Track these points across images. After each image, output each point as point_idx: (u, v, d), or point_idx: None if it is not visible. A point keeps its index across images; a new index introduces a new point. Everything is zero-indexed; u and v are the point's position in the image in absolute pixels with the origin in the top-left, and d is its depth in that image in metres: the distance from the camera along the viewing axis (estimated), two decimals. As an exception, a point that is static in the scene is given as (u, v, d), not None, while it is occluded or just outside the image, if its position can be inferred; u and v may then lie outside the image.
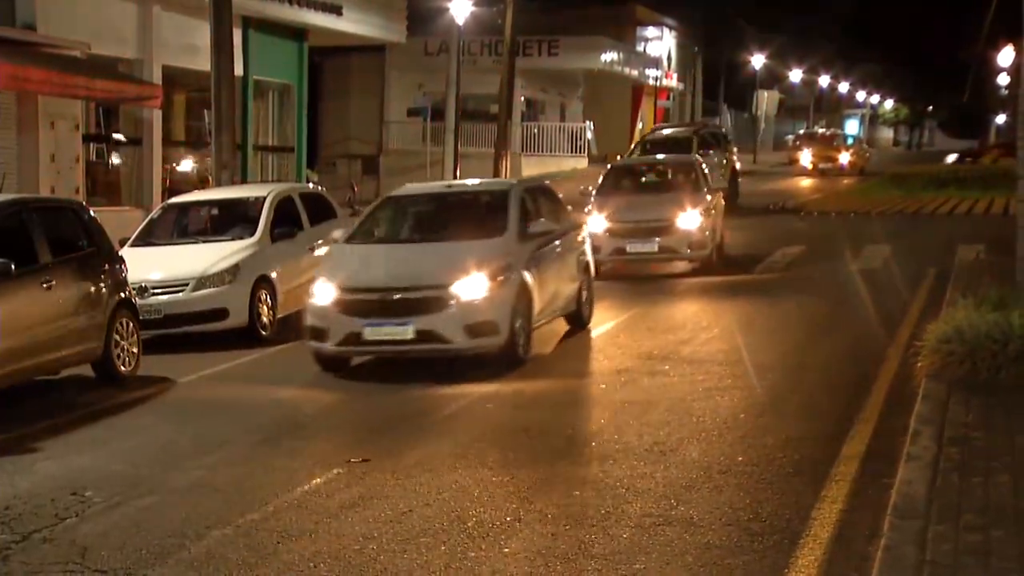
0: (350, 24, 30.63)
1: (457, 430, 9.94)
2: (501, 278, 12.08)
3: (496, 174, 41.01)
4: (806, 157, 55.21)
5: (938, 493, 6.81)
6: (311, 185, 21.07)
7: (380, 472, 8.55)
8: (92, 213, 13.38)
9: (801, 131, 74.64)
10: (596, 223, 18.81)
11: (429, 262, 12.41)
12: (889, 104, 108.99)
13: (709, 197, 20.04)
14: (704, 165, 21.89)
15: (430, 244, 13.13)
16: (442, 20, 35.29)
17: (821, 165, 53.46)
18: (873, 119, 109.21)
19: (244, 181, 24.31)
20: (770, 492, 7.68)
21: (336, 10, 29.65)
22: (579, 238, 14.72)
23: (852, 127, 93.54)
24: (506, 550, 6.84)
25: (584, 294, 14.41)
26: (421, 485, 8.18)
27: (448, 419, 10.39)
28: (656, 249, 19.21)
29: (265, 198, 16.19)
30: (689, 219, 19.14)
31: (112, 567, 6.91)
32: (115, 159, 25.03)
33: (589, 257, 14.85)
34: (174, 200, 17.46)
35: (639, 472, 8.26)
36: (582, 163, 47.57)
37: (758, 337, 13.62)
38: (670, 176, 21.64)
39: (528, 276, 12.47)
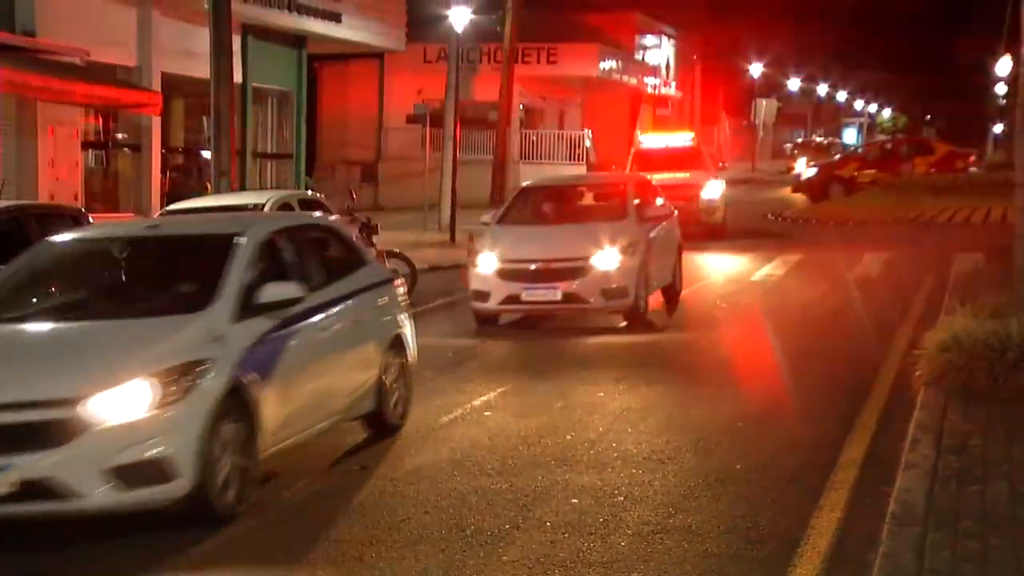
0: (349, 31, 30.65)
1: None
2: (187, 384, 7.35)
3: (495, 181, 41.13)
4: (802, 166, 55.51)
5: (936, 501, 6.82)
6: (310, 192, 21.02)
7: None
8: (91, 220, 13.36)
9: (799, 139, 74.93)
10: (486, 262, 14.97)
11: (61, 359, 7.57)
12: (887, 113, 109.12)
13: (640, 228, 15.41)
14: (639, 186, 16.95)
15: (82, 325, 8.21)
16: (441, 27, 35.30)
17: None
18: (871, 127, 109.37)
19: (243, 188, 24.32)
20: (768, 500, 7.69)
21: (335, 17, 29.67)
22: (381, 301, 9.99)
23: (850, 136, 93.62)
24: (504, 558, 6.84)
25: (391, 384, 9.74)
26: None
27: None
28: (559, 297, 14.69)
29: (264, 205, 16.19)
30: (604, 258, 14.70)
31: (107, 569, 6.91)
32: (113, 165, 25.03)
33: (405, 329, 10.23)
34: (173, 207, 17.46)
35: (637, 480, 8.26)
36: (581, 171, 47.56)
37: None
38: (592, 201, 17.14)
39: (247, 376, 7.76)
